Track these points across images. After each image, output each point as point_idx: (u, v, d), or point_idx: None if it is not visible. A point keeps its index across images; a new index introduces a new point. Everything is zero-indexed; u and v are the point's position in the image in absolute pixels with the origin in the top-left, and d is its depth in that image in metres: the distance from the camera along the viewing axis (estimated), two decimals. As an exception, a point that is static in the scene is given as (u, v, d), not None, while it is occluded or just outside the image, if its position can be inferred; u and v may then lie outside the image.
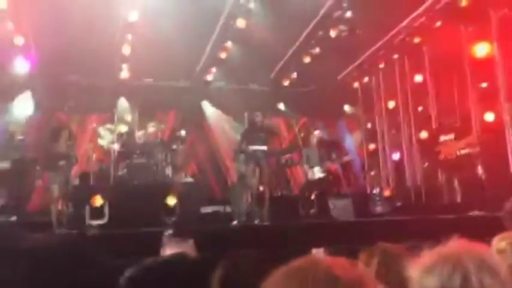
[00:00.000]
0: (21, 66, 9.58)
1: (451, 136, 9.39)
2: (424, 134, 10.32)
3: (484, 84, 8.96)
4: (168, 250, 2.72)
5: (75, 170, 8.56)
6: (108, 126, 9.04)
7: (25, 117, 10.08)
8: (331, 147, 9.26)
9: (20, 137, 8.82)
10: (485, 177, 8.21)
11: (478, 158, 8.51)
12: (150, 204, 7.07)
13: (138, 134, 9.22)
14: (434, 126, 10.22)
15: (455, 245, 1.22)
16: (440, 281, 1.15)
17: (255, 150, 7.28)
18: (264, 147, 7.44)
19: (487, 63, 8.72)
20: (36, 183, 8.47)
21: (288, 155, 10.07)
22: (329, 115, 11.87)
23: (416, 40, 9.82)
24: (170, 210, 7.19)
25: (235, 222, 7.21)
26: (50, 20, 7.87)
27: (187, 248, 2.70)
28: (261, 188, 7.45)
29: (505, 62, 8.31)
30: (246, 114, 10.38)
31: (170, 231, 2.94)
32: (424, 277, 1.14)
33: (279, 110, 11.25)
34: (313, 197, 8.25)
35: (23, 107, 10.24)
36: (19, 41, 8.78)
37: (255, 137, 7.37)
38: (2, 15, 7.91)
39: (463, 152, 9.10)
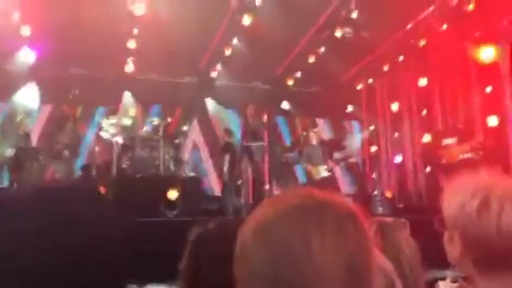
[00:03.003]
0: (27, 57, 9.63)
1: (454, 140, 9.42)
2: (427, 137, 10.32)
3: (489, 88, 8.98)
4: None
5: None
6: (112, 119, 9.07)
7: (30, 107, 10.13)
8: (333, 146, 9.29)
9: (25, 127, 8.86)
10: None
11: (481, 163, 8.51)
12: (151, 198, 7.10)
13: (142, 127, 9.26)
14: (437, 130, 10.24)
15: (486, 176, 1.26)
16: (462, 201, 1.19)
17: (246, 146, 7.30)
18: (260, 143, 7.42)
19: (491, 67, 8.74)
20: (40, 172, 8.52)
21: (290, 153, 10.08)
22: (332, 116, 11.89)
23: (422, 43, 9.81)
24: (172, 204, 7.21)
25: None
26: (57, 11, 7.90)
27: None
28: (239, 182, 7.46)
29: (509, 67, 8.32)
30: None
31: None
32: (484, 213, 1.16)
33: (282, 109, 11.26)
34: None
35: (28, 97, 10.28)
36: (26, 31, 8.81)
37: (248, 132, 7.38)
38: (10, 4, 7.94)
39: (465, 156, 9.12)
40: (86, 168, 8.91)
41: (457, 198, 1.21)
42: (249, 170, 7.40)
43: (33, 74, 10.09)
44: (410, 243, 2.02)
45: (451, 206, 1.22)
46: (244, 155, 7.27)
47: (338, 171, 9.06)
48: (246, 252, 0.90)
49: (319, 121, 11.06)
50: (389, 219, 2.24)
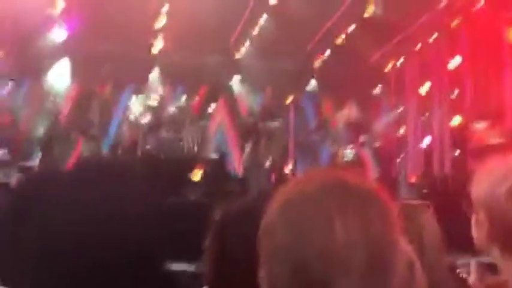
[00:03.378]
0: (59, 34, 9.77)
1: (485, 123, 9.17)
2: (456, 120, 10.07)
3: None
4: None
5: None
6: (139, 98, 9.19)
7: (61, 85, 10.34)
8: (360, 129, 9.20)
9: (56, 106, 9.08)
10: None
11: (510, 149, 8.27)
12: (175, 178, 7.23)
13: (168, 108, 9.35)
14: (468, 113, 9.97)
15: None
16: (492, 184, 1.20)
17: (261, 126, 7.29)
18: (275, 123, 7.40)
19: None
20: (70, 150, 8.76)
21: (315, 135, 10.03)
22: (360, 97, 11.69)
23: (455, 22, 9.49)
24: (195, 185, 7.34)
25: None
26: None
27: None
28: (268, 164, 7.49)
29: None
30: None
31: None
32: (481, 180, 1.19)
33: (309, 90, 11.16)
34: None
35: (60, 75, 10.50)
36: (58, 8, 8.91)
37: (266, 114, 7.38)
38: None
39: (496, 140, 8.88)
40: (112, 147, 9.10)
41: (486, 181, 1.22)
42: (268, 151, 7.43)
43: (65, 51, 10.27)
44: (433, 227, 2.00)
45: (480, 189, 1.23)
46: (261, 136, 7.30)
47: (364, 153, 8.96)
48: (270, 229, 0.92)
49: (347, 103, 10.88)
50: (412, 202, 2.25)
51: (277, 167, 7.81)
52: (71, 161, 8.83)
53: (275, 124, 7.31)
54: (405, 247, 1.50)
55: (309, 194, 0.90)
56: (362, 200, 0.90)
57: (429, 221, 2.01)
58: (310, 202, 0.89)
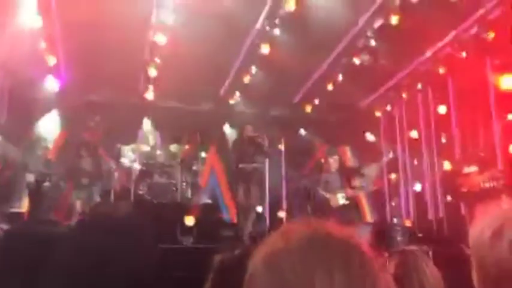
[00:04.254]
0: (51, 85, 9.88)
1: (475, 168, 9.25)
2: (447, 165, 10.15)
3: (510, 116, 8.85)
4: None
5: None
6: (131, 145, 9.20)
7: (52, 134, 10.34)
8: (352, 174, 9.21)
9: (47, 153, 9.03)
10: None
11: (502, 192, 8.32)
12: (168, 224, 7.11)
13: (160, 154, 9.35)
14: (457, 158, 10.08)
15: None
16: (480, 230, 1.21)
17: (241, 168, 7.26)
18: (253, 165, 7.37)
19: (512, 95, 8.62)
20: (59, 198, 8.63)
21: (307, 181, 10.02)
22: (350, 143, 11.82)
23: (441, 70, 9.76)
24: (188, 231, 7.22)
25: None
26: (81, 41, 8.12)
27: None
28: (259, 209, 7.40)
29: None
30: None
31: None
32: (496, 241, 1.15)
33: (300, 136, 11.26)
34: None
35: (51, 124, 10.52)
36: (51, 60, 9.05)
37: (243, 153, 7.35)
38: (37, 33, 8.17)
39: (486, 185, 8.94)
40: (105, 194, 9.00)
41: (476, 227, 1.23)
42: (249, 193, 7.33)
43: (57, 101, 10.34)
44: (434, 272, 2.01)
45: (471, 235, 1.25)
46: (239, 178, 7.24)
47: (358, 198, 8.95)
48: (254, 283, 0.91)
49: (343, 148, 10.98)
50: (412, 248, 2.24)
51: (271, 211, 7.72)
52: (58, 209, 8.71)
53: (250, 165, 7.23)
54: None
55: (291, 249, 0.90)
56: (344, 255, 0.89)
57: (430, 267, 2.03)
58: (293, 257, 0.89)
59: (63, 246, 1.08)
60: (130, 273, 1.05)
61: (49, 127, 10.44)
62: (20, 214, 7.75)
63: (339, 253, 0.89)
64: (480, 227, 1.22)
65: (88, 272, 1.01)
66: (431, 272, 1.99)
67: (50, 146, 9.35)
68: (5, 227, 4.94)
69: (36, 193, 8.20)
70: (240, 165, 7.35)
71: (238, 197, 7.78)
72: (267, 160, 8.51)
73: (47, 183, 8.40)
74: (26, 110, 10.00)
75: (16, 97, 9.81)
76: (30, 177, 8.31)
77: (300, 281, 0.85)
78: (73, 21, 7.78)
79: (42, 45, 8.54)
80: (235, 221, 9.17)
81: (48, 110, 10.50)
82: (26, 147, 9.63)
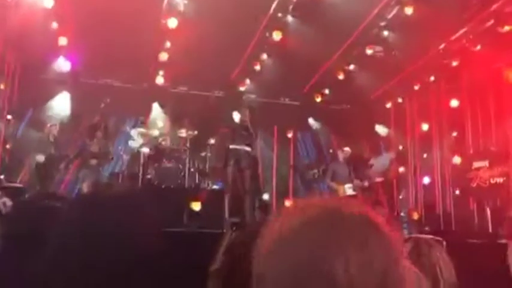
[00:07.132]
0: (62, 66, 9.91)
1: (486, 163, 9.17)
2: (457, 159, 10.06)
3: (523, 111, 8.75)
4: None
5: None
6: (141, 129, 9.23)
7: (62, 115, 10.41)
8: (360, 165, 9.16)
9: (54, 134, 9.09)
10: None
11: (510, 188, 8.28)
12: (175, 208, 7.12)
13: (168, 139, 9.36)
14: (468, 152, 9.99)
15: None
16: None
17: (236, 149, 7.20)
18: (247, 148, 7.29)
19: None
20: (67, 178, 8.73)
21: (314, 170, 10.00)
22: (360, 134, 11.76)
23: (454, 63, 9.62)
24: (194, 216, 7.23)
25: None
26: (92, 23, 8.11)
27: None
28: (266, 197, 7.32)
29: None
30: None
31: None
32: None
33: (309, 125, 11.21)
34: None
35: (61, 105, 10.59)
36: (63, 41, 9.06)
37: (237, 135, 7.26)
38: (48, 13, 8.17)
39: (497, 180, 8.87)
40: (113, 176, 9.04)
41: None
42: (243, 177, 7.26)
43: (67, 83, 10.40)
44: (447, 262, 1.99)
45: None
46: (230, 159, 7.15)
47: (365, 189, 8.91)
48: (263, 270, 0.85)
49: (352, 139, 10.90)
50: (426, 237, 2.22)
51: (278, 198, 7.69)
52: (61, 186, 8.81)
53: (244, 148, 7.15)
54: (413, 277, 1.46)
55: (302, 229, 0.83)
56: (361, 232, 0.83)
57: (443, 257, 2.01)
58: (305, 238, 0.82)
59: (62, 217, 1.09)
60: (129, 250, 1.03)
61: (59, 108, 10.50)
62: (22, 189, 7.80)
63: (356, 231, 0.83)
64: None
65: (86, 243, 1.00)
66: (444, 261, 1.97)
67: (60, 126, 9.40)
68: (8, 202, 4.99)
69: (45, 173, 8.27)
70: (231, 146, 7.28)
71: (230, 179, 7.63)
72: (260, 146, 8.33)
73: (55, 164, 8.45)
74: (37, 91, 10.06)
75: (27, 77, 9.86)
76: (40, 158, 8.37)
77: (315, 260, 0.80)
78: (85, 3, 7.77)
79: (54, 25, 8.54)
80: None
81: (59, 91, 10.55)
82: (36, 127, 9.71)
